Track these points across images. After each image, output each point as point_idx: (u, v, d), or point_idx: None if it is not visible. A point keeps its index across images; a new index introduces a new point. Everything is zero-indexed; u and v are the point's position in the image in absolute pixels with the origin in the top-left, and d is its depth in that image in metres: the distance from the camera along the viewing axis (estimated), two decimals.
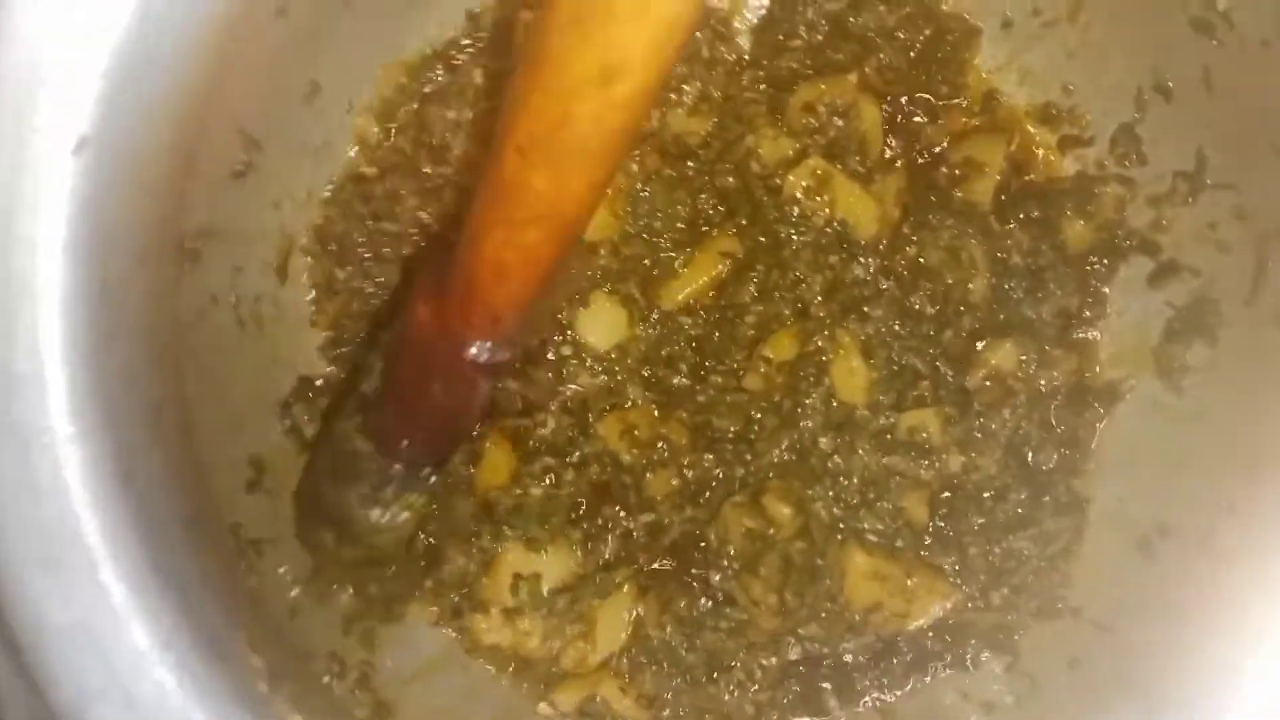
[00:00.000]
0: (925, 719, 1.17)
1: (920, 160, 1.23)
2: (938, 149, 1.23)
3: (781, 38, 1.25)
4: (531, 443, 1.16)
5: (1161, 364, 1.17)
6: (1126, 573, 1.13)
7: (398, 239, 1.21)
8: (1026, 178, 1.24)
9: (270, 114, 1.08)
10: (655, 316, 1.18)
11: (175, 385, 0.97)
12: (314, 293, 1.19)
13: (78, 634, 0.78)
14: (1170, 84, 1.12)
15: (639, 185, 1.19)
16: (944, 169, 1.22)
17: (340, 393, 1.15)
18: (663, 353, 1.18)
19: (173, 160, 0.92)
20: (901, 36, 1.24)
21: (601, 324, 1.18)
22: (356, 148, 1.21)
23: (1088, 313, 1.22)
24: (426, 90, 1.22)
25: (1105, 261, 1.21)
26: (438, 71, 1.23)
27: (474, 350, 0.94)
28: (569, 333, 1.18)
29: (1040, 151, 1.24)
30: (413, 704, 1.10)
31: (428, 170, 1.22)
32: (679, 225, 1.20)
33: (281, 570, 1.06)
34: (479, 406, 1.02)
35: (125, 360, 0.86)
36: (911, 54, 1.24)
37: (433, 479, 1.08)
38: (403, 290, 1.17)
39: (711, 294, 1.20)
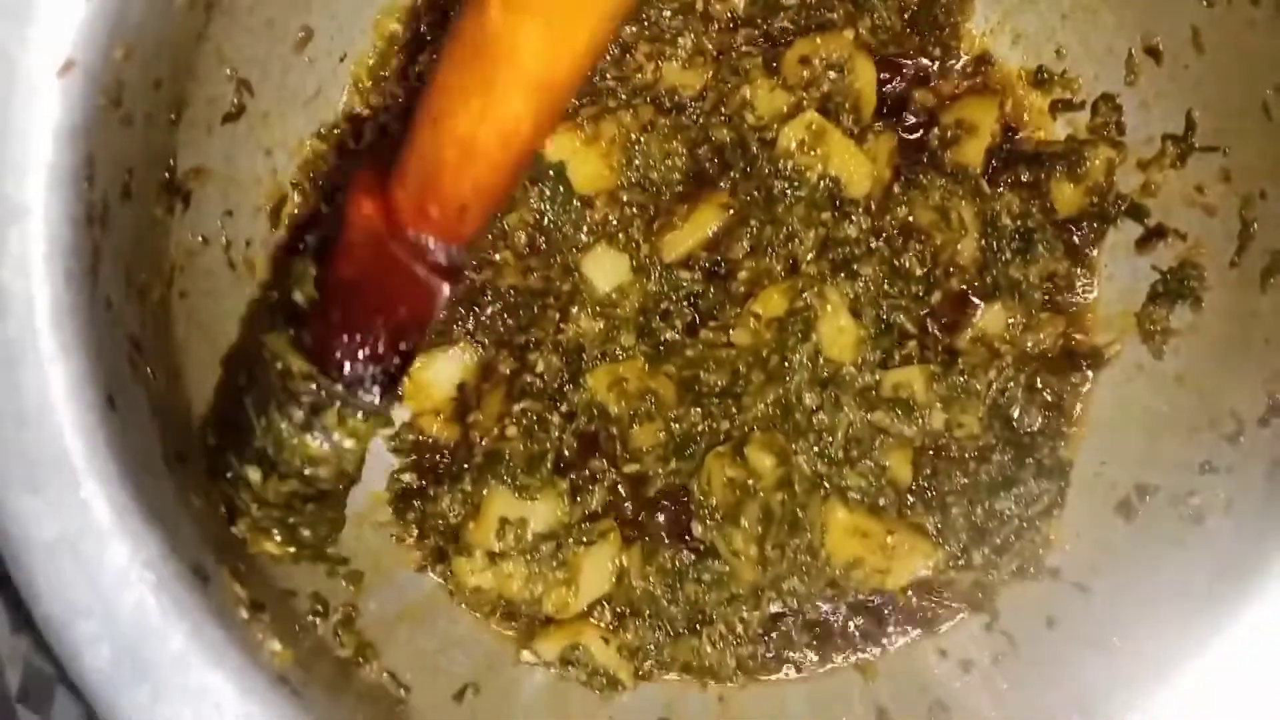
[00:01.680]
0: (904, 676, 1.18)
1: (912, 120, 1.24)
2: (930, 109, 1.24)
3: None
4: (520, 384, 1.16)
5: (1145, 327, 1.18)
6: (1106, 534, 1.13)
7: None
8: (1017, 138, 1.24)
9: (261, 58, 1.09)
10: (658, 269, 1.19)
11: (161, 320, 0.98)
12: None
13: (62, 550, 0.79)
14: (1160, 46, 1.12)
15: (634, 137, 1.19)
16: (936, 130, 1.23)
17: (269, 305, 1.03)
18: (661, 306, 1.19)
19: (160, 95, 0.94)
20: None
21: (604, 268, 1.19)
22: (347, 97, 1.22)
23: (1077, 276, 1.22)
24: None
25: (1094, 225, 1.21)
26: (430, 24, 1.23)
27: (431, 248, 0.83)
28: (574, 273, 1.19)
29: (1031, 115, 1.25)
30: (396, 647, 1.11)
31: None
32: (676, 177, 1.20)
33: None
34: (432, 314, 0.88)
35: (109, 286, 0.87)
36: (905, 15, 1.25)
37: (379, 400, 0.91)
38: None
39: (705, 250, 1.21)
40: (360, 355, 0.90)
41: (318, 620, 1.07)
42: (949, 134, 1.22)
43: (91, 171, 0.83)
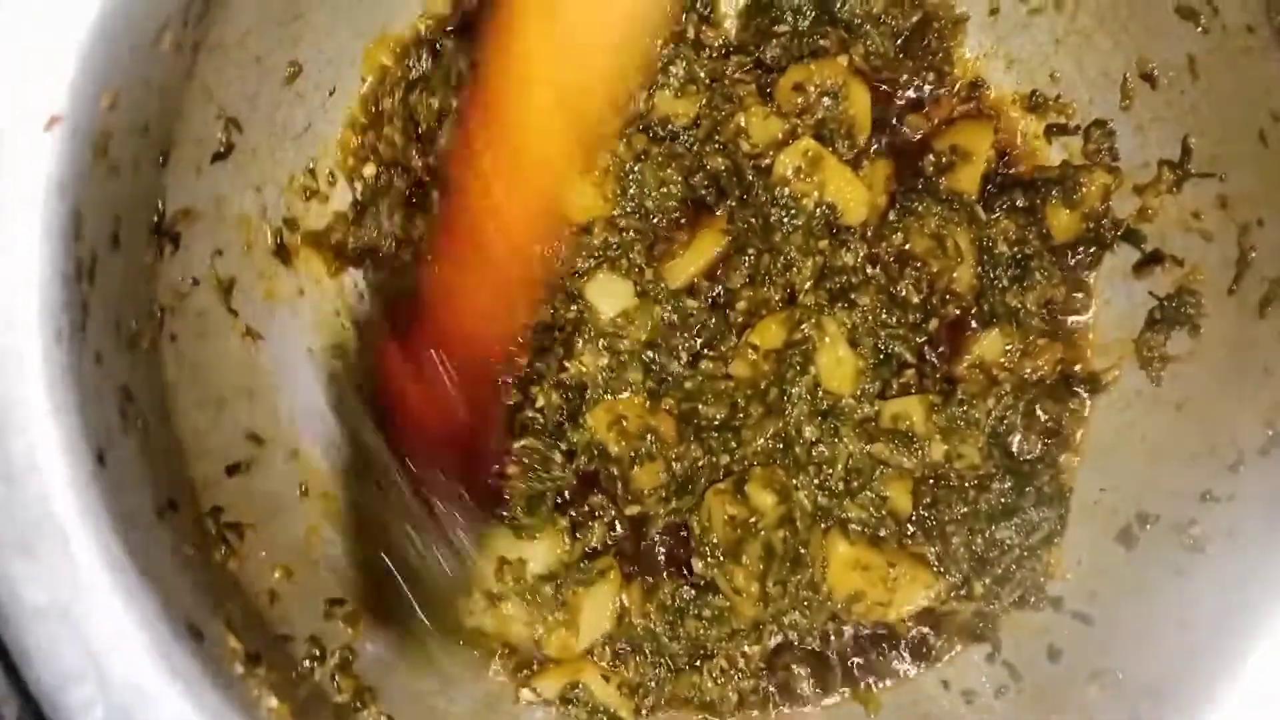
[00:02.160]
0: (906, 708, 1.17)
1: (907, 147, 1.23)
2: (923, 136, 1.23)
3: (767, 23, 1.24)
4: (520, 420, 1.15)
5: (1143, 354, 1.17)
6: (1106, 562, 1.13)
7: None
8: (1012, 162, 1.24)
9: (251, 95, 1.08)
10: (664, 296, 1.19)
11: (152, 368, 0.97)
12: None
13: (53, 615, 0.77)
14: (1155, 72, 1.12)
15: (628, 166, 1.18)
16: (930, 156, 1.22)
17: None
18: (669, 337, 1.19)
19: (148, 140, 0.92)
20: (888, 23, 1.24)
21: (608, 294, 1.18)
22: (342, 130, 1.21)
23: (1074, 301, 1.22)
24: (412, 77, 1.22)
25: (1091, 250, 1.21)
26: (423, 56, 1.22)
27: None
28: (577, 303, 1.19)
29: (1025, 140, 1.24)
30: (395, 689, 1.10)
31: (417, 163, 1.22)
32: (672, 204, 1.19)
33: (262, 554, 1.06)
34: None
35: (100, 340, 0.85)
36: (898, 40, 1.24)
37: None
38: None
39: (705, 278, 1.20)
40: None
41: (315, 665, 1.06)
42: (944, 160, 1.22)
43: (80, 225, 0.81)
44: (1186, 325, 1.12)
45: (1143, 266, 1.17)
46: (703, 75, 1.22)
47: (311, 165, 1.19)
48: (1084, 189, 1.19)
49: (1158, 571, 1.07)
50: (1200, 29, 1.04)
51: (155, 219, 0.97)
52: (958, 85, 1.25)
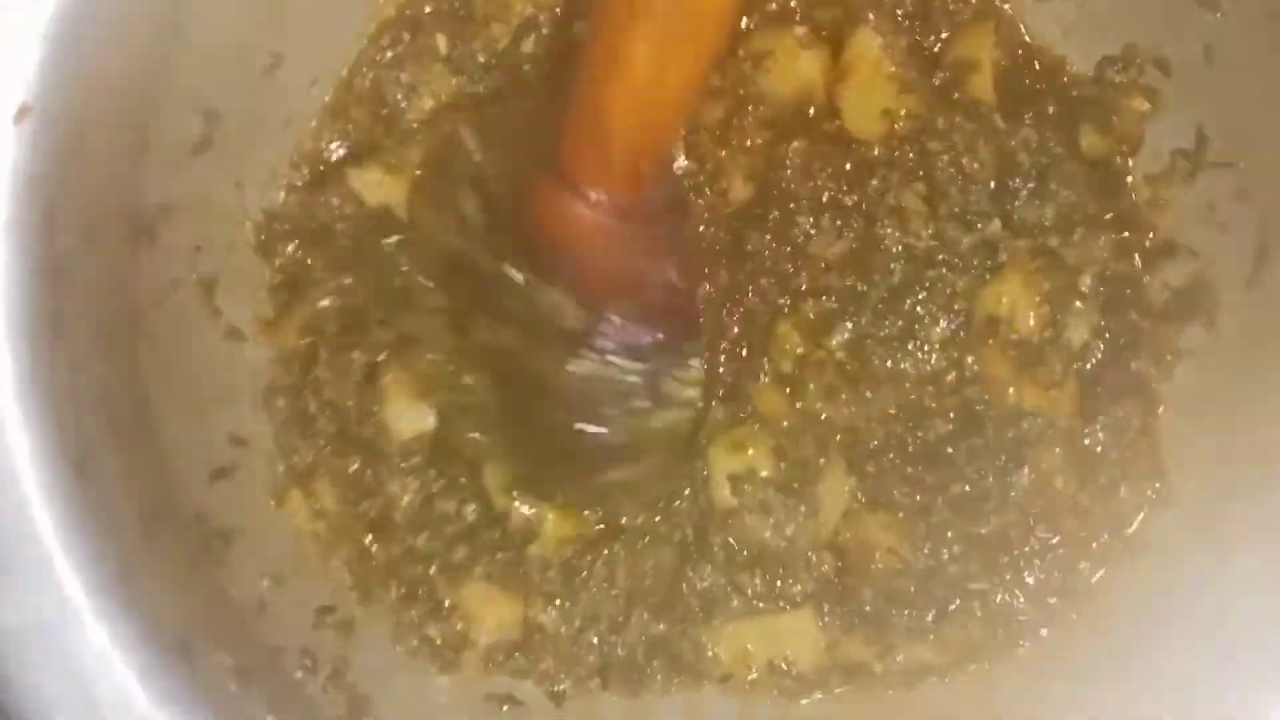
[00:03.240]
0: None
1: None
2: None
3: None
4: None
5: (1155, 347, 1.14)
6: (1130, 564, 1.10)
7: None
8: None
9: (229, 86, 1.03)
10: None
11: (130, 372, 0.93)
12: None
13: (33, 636, 0.73)
14: (1170, 59, 1.09)
15: None
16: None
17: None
18: None
19: (123, 132, 0.88)
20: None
21: None
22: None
23: None
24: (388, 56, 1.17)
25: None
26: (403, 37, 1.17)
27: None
28: None
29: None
30: (389, 701, 1.06)
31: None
32: None
33: (250, 562, 1.02)
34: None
35: (74, 344, 0.81)
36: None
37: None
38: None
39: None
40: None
41: (306, 677, 1.02)
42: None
43: (53, 222, 0.77)
44: (1202, 318, 1.09)
45: (1155, 257, 1.14)
46: None
47: (294, 159, 1.14)
48: (1118, 115, 1.13)
49: (1179, 573, 1.05)
50: (1218, 15, 1.01)
51: (131, 215, 0.92)
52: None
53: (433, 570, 1.11)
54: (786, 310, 1.13)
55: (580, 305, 0.90)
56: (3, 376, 0.74)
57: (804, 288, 1.13)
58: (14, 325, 0.74)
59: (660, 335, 0.92)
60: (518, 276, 0.92)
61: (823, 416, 1.13)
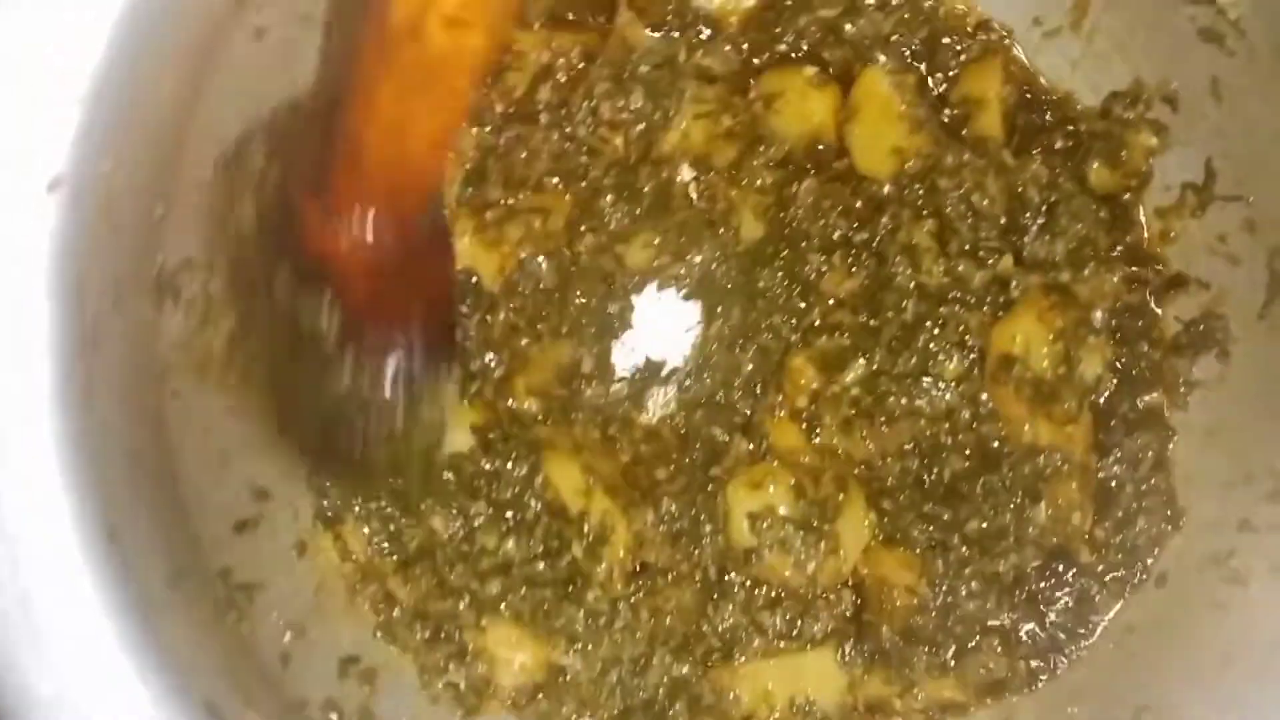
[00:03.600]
0: None
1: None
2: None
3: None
4: None
5: (1168, 379, 1.15)
6: (1142, 595, 1.11)
7: None
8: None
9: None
10: None
11: (157, 428, 0.93)
12: None
13: (65, 708, 0.73)
14: (1178, 94, 1.10)
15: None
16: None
17: None
18: None
19: (149, 194, 0.88)
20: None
21: None
22: None
23: None
24: None
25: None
26: None
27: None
28: None
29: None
30: None
31: None
32: None
33: (274, 615, 1.02)
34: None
35: (106, 406, 0.81)
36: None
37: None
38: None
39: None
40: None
41: None
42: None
43: (84, 287, 0.77)
44: (1215, 350, 1.10)
45: (1165, 290, 1.15)
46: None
47: None
48: (1126, 150, 1.13)
49: (1193, 604, 1.05)
50: (1225, 51, 1.02)
51: (155, 273, 0.93)
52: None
53: (461, 606, 1.11)
54: (800, 346, 1.14)
55: (342, 317, 0.95)
56: (45, 443, 0.74)
57: (816, 324, 1.14)
58: (54, 392, 0.74)
59: (415, 355, 0.97)
60: (285, 275, 0.97)
61: (840, 452, 1.13)
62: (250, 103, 1.01)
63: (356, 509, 1.11)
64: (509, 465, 1.10)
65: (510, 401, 1.14)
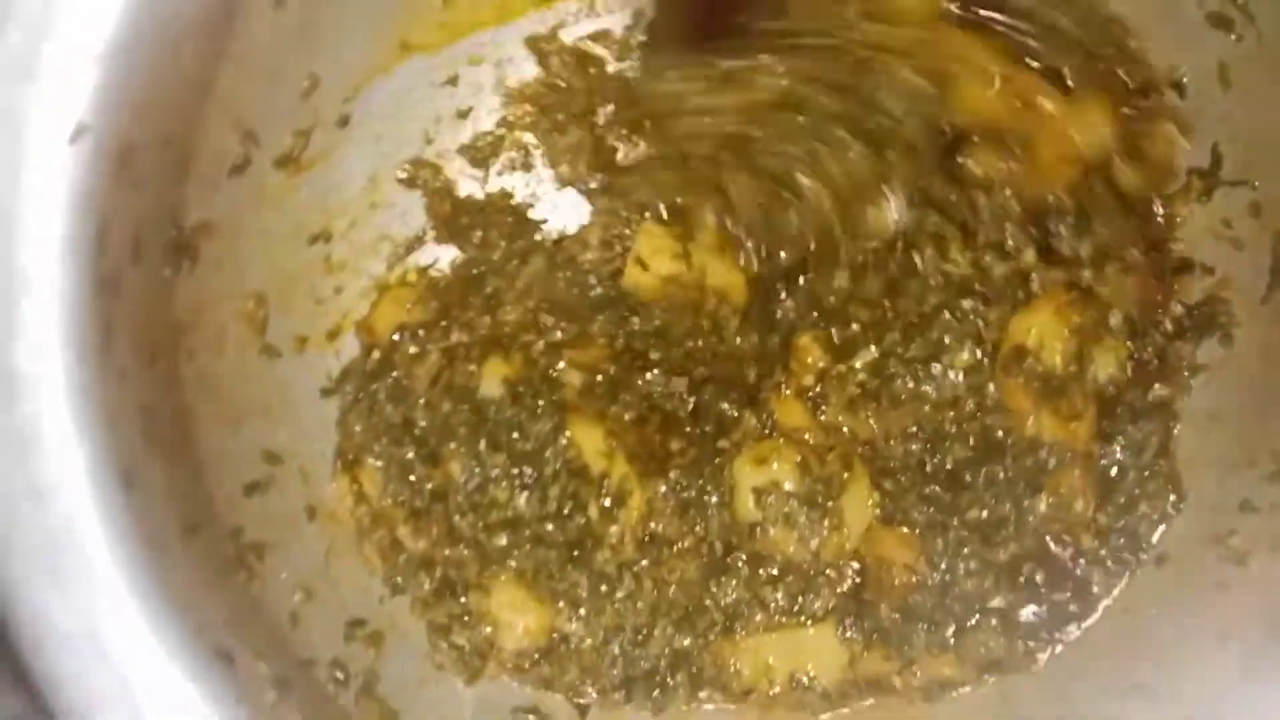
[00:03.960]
0: None
1: None
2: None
3: None
4: None
5: (1172, 363, 1.16)
6: (1141, 574, 1.11)
7: None
8: None
9: (268, 108, 1.05)
10: None
11: (172, 385, 0.95)
12: None
13: (82, 642, 0.75)
14: (1185, 79, 1.11)
15: None
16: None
17: None
18: None
19: (168, 152, 0.90)
20: None
21: None
22: None
23: None
24: None
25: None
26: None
27: None
28: None
29: None
30: (420, 712, 1.08)
31: None
32: None
33: (283, 575, 1.04)
34: None
35: (121, 357, 0.84)
36: None
37: None
38: None
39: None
40: None
41: (338, 690, 1.03)
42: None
43: (104, 239, 0.79)
44: (1218, 333, 1.11)
45: (1172, 275, 1.16)
46: None
47: None
48: (1148, 140, 1.14)
49: (1193, 585, 1.06)
50: (1233, 36, 1.03)
51: (174, 233, 0.95)
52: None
53: (466, 553, 1.12)
54: (812, 324, 1.15)
55: None
56: (56, 389, 0.76)
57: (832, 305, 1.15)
58: (68, 338, 0.76)
59: None
60: None
61: (845, 430, 1.14)
62: (270, 71, 1.04)
63: (377, 449, 1.12)
64: (534, 421, 1.11)
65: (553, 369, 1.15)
